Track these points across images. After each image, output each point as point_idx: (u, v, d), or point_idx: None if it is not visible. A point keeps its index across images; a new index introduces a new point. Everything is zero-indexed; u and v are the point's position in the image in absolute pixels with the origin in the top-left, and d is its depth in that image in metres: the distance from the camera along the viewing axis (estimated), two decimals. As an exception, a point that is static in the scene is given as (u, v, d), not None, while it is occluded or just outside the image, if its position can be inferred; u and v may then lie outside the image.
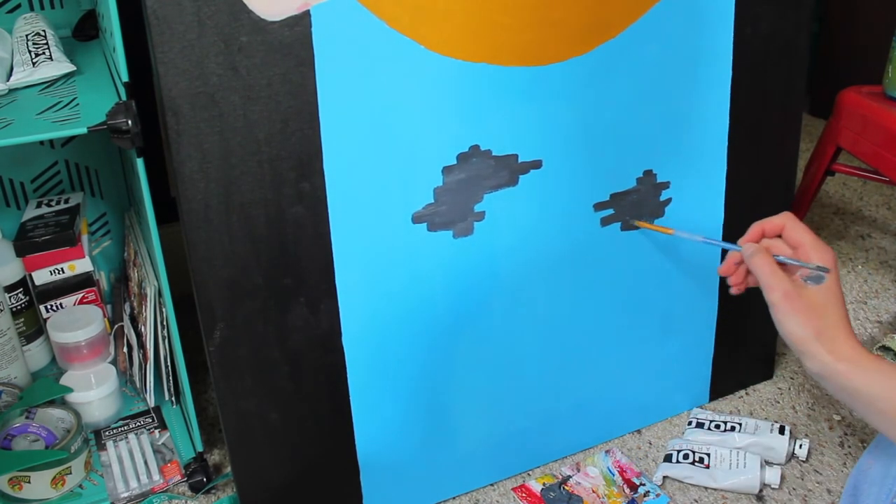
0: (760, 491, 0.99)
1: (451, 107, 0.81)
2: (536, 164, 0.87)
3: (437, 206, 0.84)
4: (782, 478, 1.01)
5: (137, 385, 1.12)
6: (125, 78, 0.81)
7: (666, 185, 0.97)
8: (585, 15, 0.83)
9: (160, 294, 0.97)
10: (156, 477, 1.00)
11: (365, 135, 0.78)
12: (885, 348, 1.17)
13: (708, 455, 1.02)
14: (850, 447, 1.07)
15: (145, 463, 1.01)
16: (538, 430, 1.02)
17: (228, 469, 1.04)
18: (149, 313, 1.00)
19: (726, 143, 0.99)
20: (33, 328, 1.15)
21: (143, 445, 1.04)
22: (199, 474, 0.99)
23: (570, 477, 1.03)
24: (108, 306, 1.25)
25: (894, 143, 1.23)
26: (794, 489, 1.01)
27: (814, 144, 1.44)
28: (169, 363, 1.03)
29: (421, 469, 0.96)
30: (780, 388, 1.18)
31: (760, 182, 1.04)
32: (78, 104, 0.86)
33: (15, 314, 1.11)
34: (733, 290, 0.83)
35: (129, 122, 0.80)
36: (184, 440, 1.06)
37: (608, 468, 1.04)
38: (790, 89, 1.01)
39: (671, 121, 0.94)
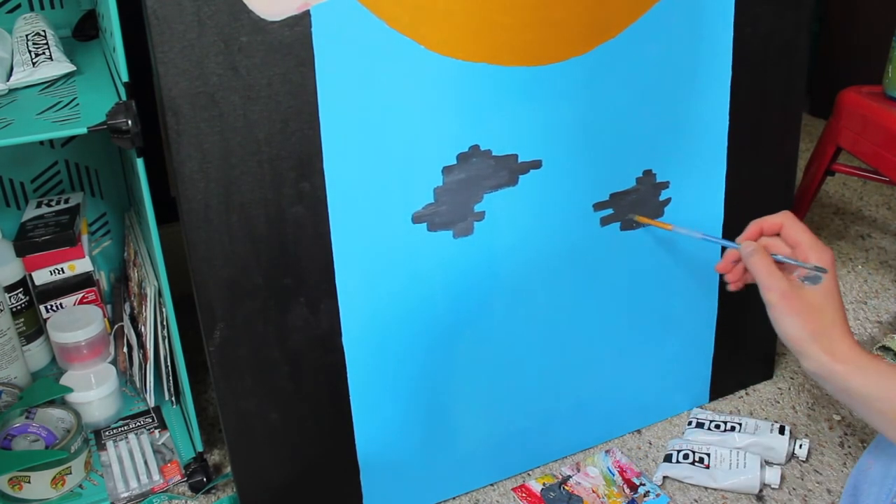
0: (760, 491, 0.99)
1: (451, 107, 0.81)
2: (536, 164, 0.87)
3: (437, 206, 0.84)
4: (782, 478, 1.01)
5: (137, 385, 1.12)
6: (125, 78, 0.81)
7: (666, 185, 0.97)
8: (585, 15, 0.83)
9: (160, 294, 0.97)
10: (156, 477, 1.00)
11: (365, 135, 0.78)
12: (885, 348, 1.17)
13: (708, 455, 1.02)
14: (850, 447, 1.07)
15: (145, 463, 1.01)
16: (538, 430, 1.02)
17: (228, 469, 1.04)
18: (149, 313, 1.00)
19: (726, 143, 0.99)
20: (33, 328, 1.15)
21: (143, 445, 1.04)
22: (199, 474, 0.99)
23: (570, 477, 1.03)
24: (108, 306, 1.25)
25: (894, 143, 1.23)
26: (794, 489, 1.01)
27: (814, 144, 1.44)
28: (169, 363, 1.03)
29: (421, 469, 0.96)
30: (780, 388, 1.18)
31: (760, 182, 1.04)
32: (78, 104, 0.86)
33: (15, 314, 1.11)
34: (731, 287, 0.83)
35: (129, 122, 0.80)
36: (184, 440, 1.06)
37: (608, 468, 1.04)
38: (790, 89, 1.01)
39: (671, 121, 0.94)
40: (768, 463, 1.02)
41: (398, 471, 0.95)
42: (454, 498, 1.01)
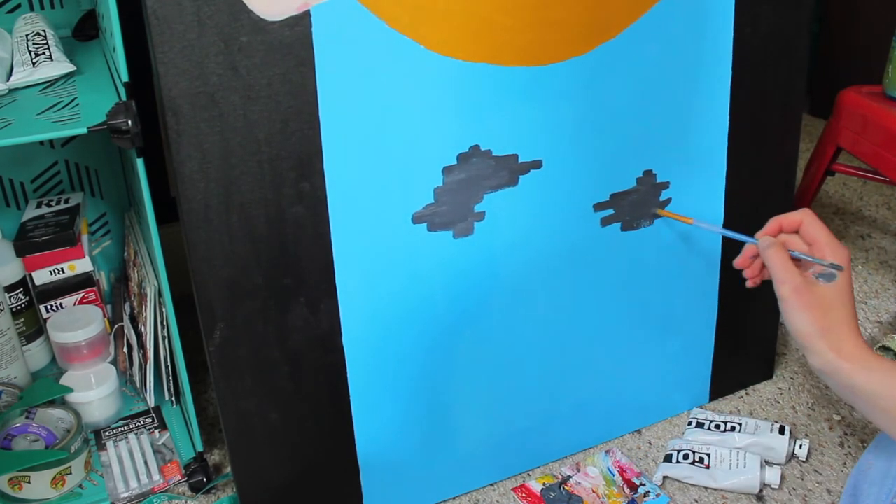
0: (760, 491, 0.99)
1: (451, 107, 0.81)
2: (536, 164, 0.87)
3: (437, 206, 0.84)
4: (782, 478, 1.01)
5: (137, 385, 1.12)
6: (125, 78, 0.81)
7: (666, 185, 0.97)
8: (585, 15, 0.83)
9: (160, 294, 0.97)
10: (156, 477, 1.00)
11: (365, 135, 0.78)
12: (885, 348, 1.17)
13: (708, 455, 1.02)
14: (850, 447, 1.07)
15: (145, 463, 1.01)
16: (538, 430, 1.02)
17: (228, 469, 1.04)
18: (149, 313, 1.00)
19: (726, 143, 0.99)
20: (33, 328, 1.15)
21: (143, 445, 1.04)
22: (199, 474, 0.99)
23: (570, 477, 1.03)
24: (108, 306, 1.25)
25: (894, 143, 1.23)
26: (794, 489, 1.01)
27: (814, 144, 1.44)
28: (169, 363, 1.03)
29: (421, 469, 0.96)
30: (780, 388, 1.18)
31: (760, 182, 1.04)
32: (78, 104, 0.86)
33: (15, 314, 1.11)
34: (749, 283, 0.84)
35: (129, 122, 0.80)
36: (184, 440, 1.06)
37: (608, 468, 1.04)
38: (790, 89, 1.01)
39: (671, 121, 0.94)
40: (768, 463, 1.02)
41: (398, 471, 0.95)
42: (454, 498, 1.01)
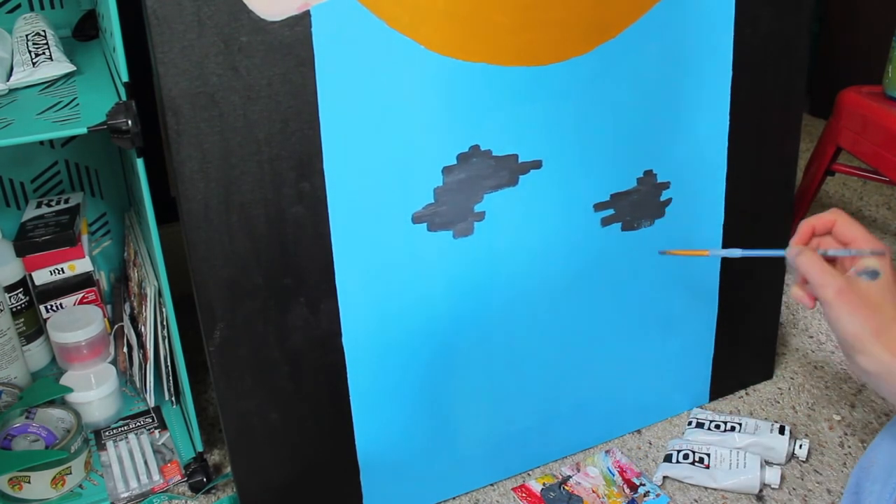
0: (760, 491, 0.99)
1: (451, 107, 0.81)
2: (536, 164, 0.87)
3: (437, 206, 0.84)
4: (782, 478, 1.01)
5: (137, 385, 1.12)
6: (125, 78, 0.81)
7: (666, 186, 0.97)
8: (585, 15, 0.83)
9: (160, 294, 0.97)
10: (156, 477, 1.00)
11: (365, 135, 0.78)
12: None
13: (708, 455, 1.02)
14: (849, 447, 1.07)
15: (145, 463, 1.01)
16: (538, 430, 1.02)
17: (228, 469, 1.04)
18: (149, 313, 1.00)
19: (726, 143, 0.99)
20: (33, 328, 1.15)
21: (143, 445, 1.04)
22: (199, 474, 0.99)
23: (570, 477, 1.03)
24: (108, 306, 1.25)
25: (894, 143, 1.23)
26: (794, 489, 1.01)
27: (814, 144, 1.44)
28: (169, 363, 1.03)
29: (421, 469, 0.96)
30: (780, 388, 1.18)
31: (760, 182, 1.04)
32: (78, 104, 0.86)
33: (15, 314, 1.11)
34: (809, 305, 0.75)
35: (129, 122, 0.80)
36: (184, 440, 1.06)
37: (608, 468, 1.04)
38: (790, 89, 1.01)
39: (671, 121, 0.94)
40: (768, 463, 1.02)
41: (398, 471, 0.95)
42: (454, 498, 1.01)
